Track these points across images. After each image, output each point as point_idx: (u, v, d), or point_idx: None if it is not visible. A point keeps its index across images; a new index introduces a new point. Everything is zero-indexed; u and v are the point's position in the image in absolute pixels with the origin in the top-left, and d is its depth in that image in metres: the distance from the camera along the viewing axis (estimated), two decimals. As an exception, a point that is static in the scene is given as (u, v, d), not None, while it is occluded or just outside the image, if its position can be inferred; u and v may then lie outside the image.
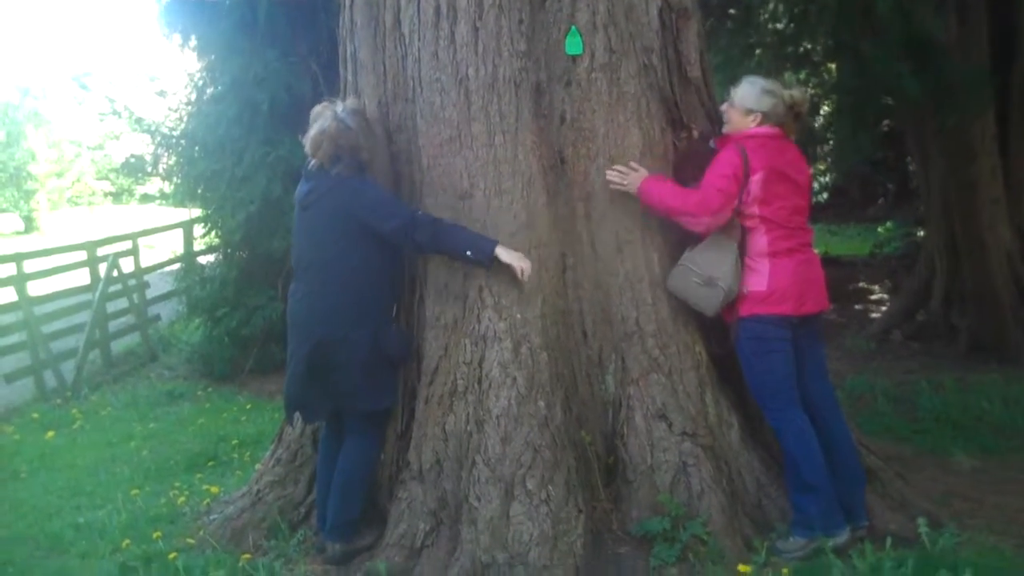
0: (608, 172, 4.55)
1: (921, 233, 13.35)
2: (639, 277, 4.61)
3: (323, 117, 4.37)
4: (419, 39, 4.55)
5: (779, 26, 11.85)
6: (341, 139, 4.31)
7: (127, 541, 4.96)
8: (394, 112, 4.75)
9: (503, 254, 4.25)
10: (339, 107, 4.39)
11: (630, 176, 4.50)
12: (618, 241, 4.63)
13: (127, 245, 13.80)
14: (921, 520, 4.24)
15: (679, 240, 4.69)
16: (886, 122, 13.69)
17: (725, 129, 4.53)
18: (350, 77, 4.96)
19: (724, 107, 4.54)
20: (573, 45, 4.58)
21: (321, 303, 4.39)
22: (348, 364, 4.34)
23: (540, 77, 4.61)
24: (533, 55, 4.57)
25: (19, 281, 11.11)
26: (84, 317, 11.93)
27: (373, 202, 4.33)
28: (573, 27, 4.58)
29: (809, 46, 11.97)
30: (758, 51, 10.96)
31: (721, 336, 4.64)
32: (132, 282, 13.22)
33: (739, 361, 4.47)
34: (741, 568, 4.01)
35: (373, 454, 4.58)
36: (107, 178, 41.39)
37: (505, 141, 4.47)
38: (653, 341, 4.56)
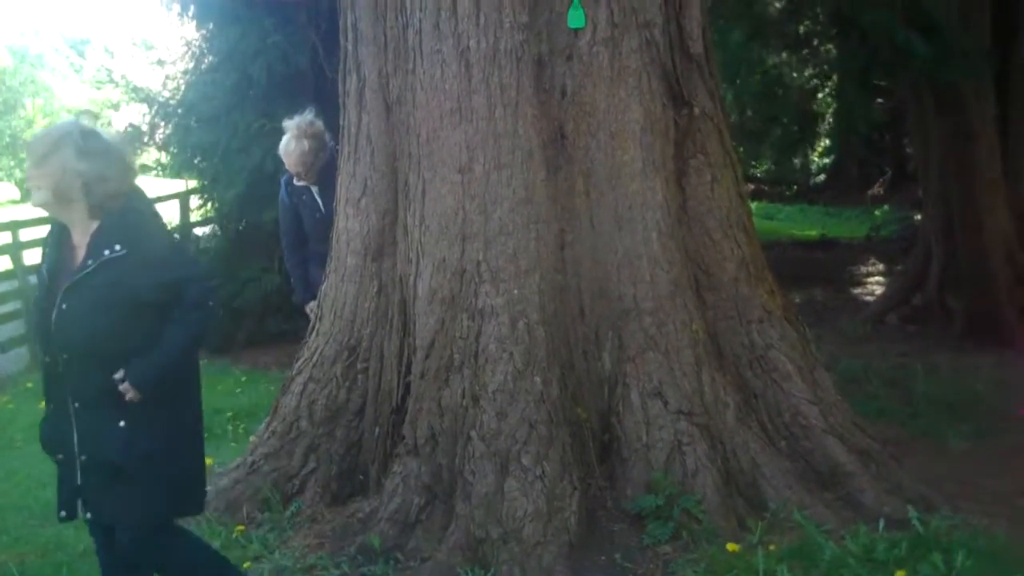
0: None
1: (918, 217, 13.35)
2: (638, 254, 4.59)
3: None
4: (420, 9, 4.50)
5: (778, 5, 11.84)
6: None
7: (121, 510, 4.95)
8: (394, 83, 4.71)
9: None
10: None
11: None
12: (617, 218, 4.60)
13: (123, 215, 13.73)
14: (912, 505, 4.23)
15: (678, 219, 4.68)
16: (884, 102, 13.67)
17: None
18: (350, 48, 4.92)
19: None
20: (575, 18, 4.54)
21: None
22: None
23: (542, 50, 4.57)
24: (535, 28, 4.53)
25: (14, 250, 11.06)
26: (79, 286, 11.87)
27: None
28: (575, 0, 4.54)
29: (808, 25, 11.95)
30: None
31: None
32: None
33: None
34: (731, 547, 4.02)
35: None
36: (103, 148, 41.11)
37: (505, 114, 4.43)
38: (650, 319, 4.55)
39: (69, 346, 3.23)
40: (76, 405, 3.25)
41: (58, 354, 3.26)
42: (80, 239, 3.29)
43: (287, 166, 5.61)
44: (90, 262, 3.19)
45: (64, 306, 3.19)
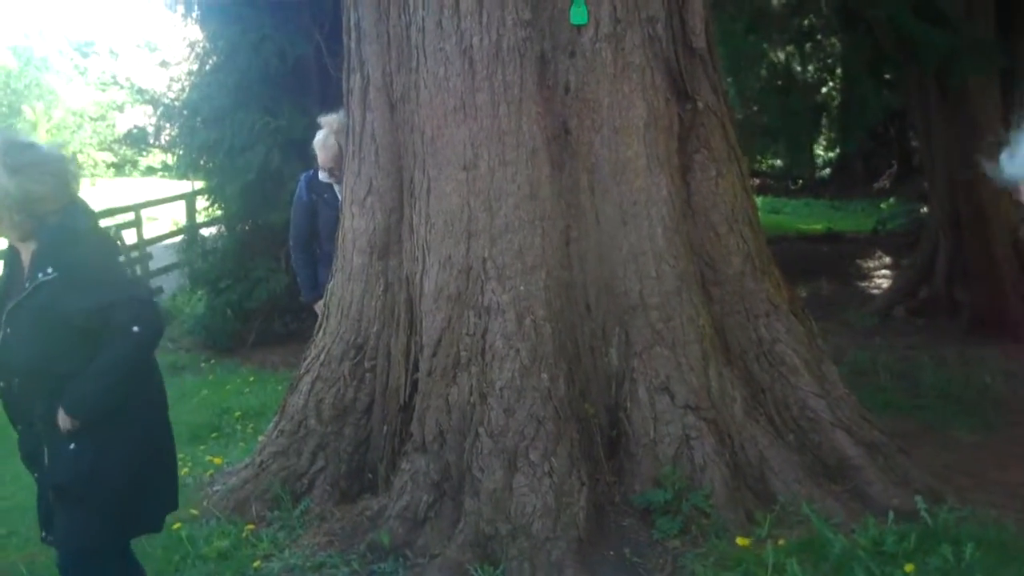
0: None
1: (924, 209, 13.33)
2: (643, 250, 4.59)
3: None
4: (423, 8, 4.51)
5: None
6: None
7: (130, 511, 4.96)
8: (398, 82, 4.72)
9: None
10: None
11: None
12: (622, 213, 4.60)
13: (130, 217, 13.76)
14: (919, 497, 4.23)
15: (683, 214, 4.68)
16: (889, 94, 13.62)
17: None
18: (353, 46, 4.93)
19: None
20: (578, 15, 4.55)
21: None
22: None
23: (544, 47, 4.57)
24: (537, 24, 4.53)
25: (21, 252, 11.08)
26: (86, 288, 11.88)
27: None
28: (578, -3, 4.54)
29: (812, 19, 11.93)
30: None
31: None
32: (135, 254, 13.19)
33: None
34: (740, 541, 4.02)
35: None
36: (109, 149, 41.26)
37: (509, 111, 4.44)
38: (657, 314, 4.55)
39: (16, 370, 3.14)
40: (42, 426, 3.17)
41: (10, 378, 3.17)
42: (26, 258, 3.17)
43: (320, 161, 5.60)
44: (27, 285, 3.07)
45: (8, 329, 3.09)
